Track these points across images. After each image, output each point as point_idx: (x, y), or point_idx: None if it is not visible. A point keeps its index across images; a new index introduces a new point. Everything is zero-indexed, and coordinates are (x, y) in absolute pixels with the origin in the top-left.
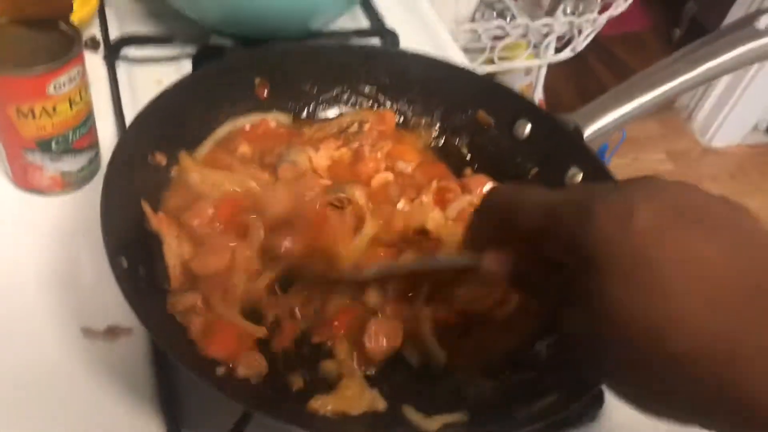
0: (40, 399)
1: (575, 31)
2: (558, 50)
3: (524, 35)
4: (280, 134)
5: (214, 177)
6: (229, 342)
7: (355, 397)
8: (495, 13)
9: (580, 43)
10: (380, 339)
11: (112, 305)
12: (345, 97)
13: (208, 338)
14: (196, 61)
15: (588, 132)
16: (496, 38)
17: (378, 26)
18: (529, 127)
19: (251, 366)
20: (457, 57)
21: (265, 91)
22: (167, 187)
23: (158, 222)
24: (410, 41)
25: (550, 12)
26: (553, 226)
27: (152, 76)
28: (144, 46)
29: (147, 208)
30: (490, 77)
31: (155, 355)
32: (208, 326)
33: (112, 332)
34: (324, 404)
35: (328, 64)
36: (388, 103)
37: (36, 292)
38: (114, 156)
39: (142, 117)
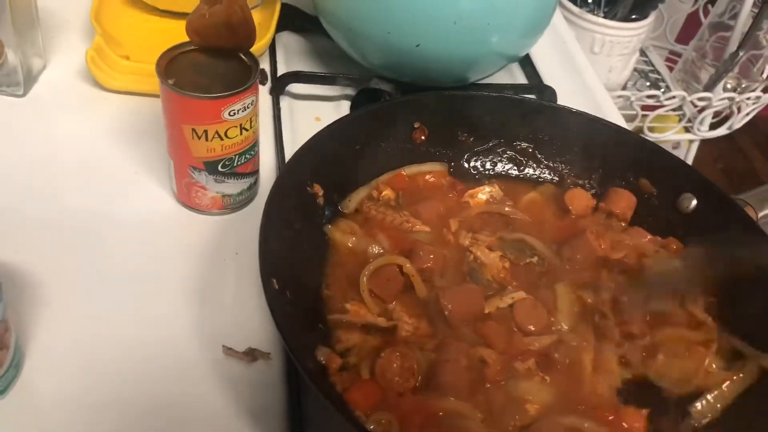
0: (173, 407)
1: (734, 109)
2: (713, 126)
3: (679, 108)
4: (437, 186)
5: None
6: (369, 397)
7: None
8: (648, 84)
9: (738, 121)
10: None
11: (254, 327)
12: (500, 150)
13: (348, 385)
14: (355, 103)
15: (762, 214)
16: (646, 108)
17: (536, 82)
18: (694, 202)
19: (381, 425)
20: (617, 121)
21: (423, 136)
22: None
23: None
24: (567, 101)
25: (709, 86)
26: None
27: (312, 112)
28: (308, 83)
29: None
30: (657, 145)
31: (289, 385)
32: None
33: (252, 354)
34: None
35: (486, 114)
36: (545, 162)
37: (184, 304)
38: (278, 182)
39: (305, 148)
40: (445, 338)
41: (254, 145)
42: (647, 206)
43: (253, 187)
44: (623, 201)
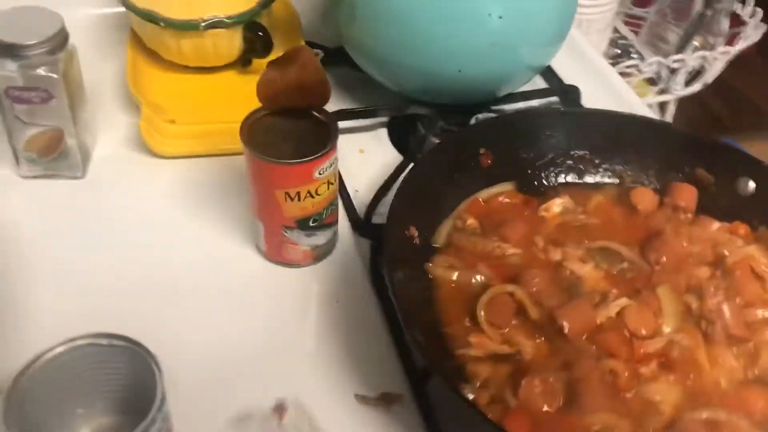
0: None
1: (705, 65)
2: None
3: (656, 72)
4: (513, 206)
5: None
6: (522, 425)
7: None
8: (619, 51)
9: (711, 76)
10: None
11: (374, 371)
12: (559, 161)
13: (500, 417)
14: (391, 130)
15: None
16: (622, 75)
17: (558, 84)
18: (752, 184)
19: None
20: (643, 111)
21: (489, 160)
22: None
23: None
24: (591, 96)
25: (681, 48)
26: None
27: (354, 145)
28: (352, 119)
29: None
30: (702, 134)
31: (428, 426)
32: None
33: (386, 399)
34: None
35: (540, 128)
36: (602, 166)
37: (305, 358)
38: (386, 238)
39: (396, 198)
40: (568, 356)
41: (337, 196)
42: (708, 195)
43: (336, 234)
44: (685, 193)
